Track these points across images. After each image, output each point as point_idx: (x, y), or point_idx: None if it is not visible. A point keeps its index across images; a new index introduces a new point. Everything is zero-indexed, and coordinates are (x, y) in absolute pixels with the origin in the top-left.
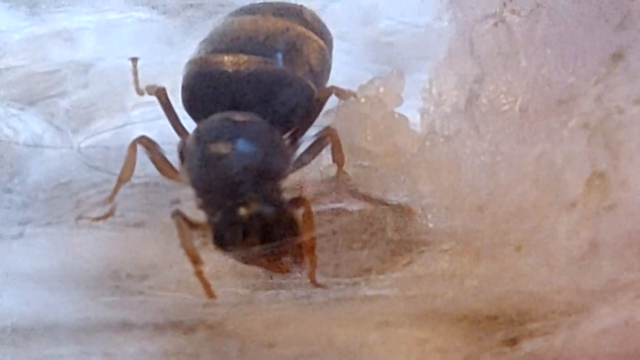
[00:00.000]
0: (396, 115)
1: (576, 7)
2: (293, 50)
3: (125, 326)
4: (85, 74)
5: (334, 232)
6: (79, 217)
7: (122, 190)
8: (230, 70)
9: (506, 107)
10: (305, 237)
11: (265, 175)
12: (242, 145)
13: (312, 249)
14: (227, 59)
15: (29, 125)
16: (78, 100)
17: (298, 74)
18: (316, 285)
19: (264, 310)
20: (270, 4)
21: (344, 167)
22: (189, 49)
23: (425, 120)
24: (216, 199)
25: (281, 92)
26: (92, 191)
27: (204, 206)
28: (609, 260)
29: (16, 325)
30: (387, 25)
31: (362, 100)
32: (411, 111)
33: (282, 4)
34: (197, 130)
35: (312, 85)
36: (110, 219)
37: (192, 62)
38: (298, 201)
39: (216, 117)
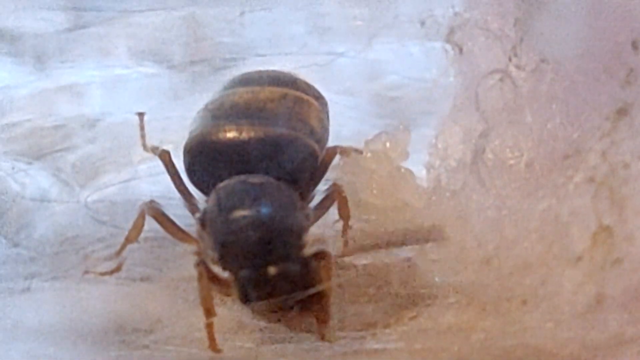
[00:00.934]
0: (402, 170)
1: (581, 63)
2: (292, 114)
3: None
4: (92, 128)
5: (340, 286)
6: (86, 272)
7: (129, 245)
8: (235, 140)
9: (512, 162)
10: (324, 290)
11: (289, 233)
12: (265, 206)
13: (328, 301)
14: (230, 129)
15: (35, 180)
16: (85, 154)
17: (300, 137)
18: (323, 339)
19: None
20: (264, 73)
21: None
22: (195, 104)
23: (431, 174)
24: (242, 258)
25: (286, 156)
26: (99, 245)
27: (227, 264)
28: (615, 315)
29: None
30: (393, 80)
31: (368, 154)
32: (417, 166)
33: (275, 72)
34: (217, 196)
35: (315, 146)
36: (116, 273)
37: (195, 137)
38: (319, 255)
39: (232, 181)
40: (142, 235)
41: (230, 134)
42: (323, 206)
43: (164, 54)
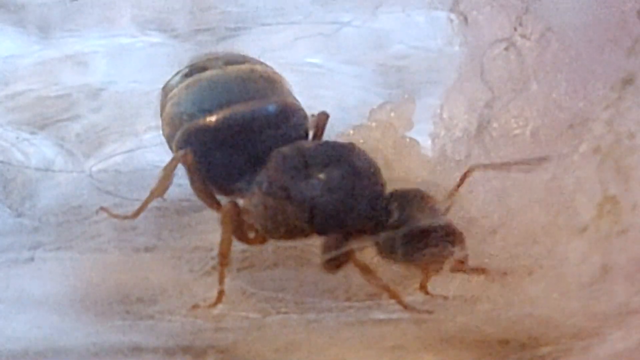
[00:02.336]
0: (407, 140)
1: (587, 32)
2: (271, 85)
3: (136, 351)
4: (97, 98)
5: None
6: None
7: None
8: (242, 121)
9: (517, 132)
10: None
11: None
12: (350, 163)
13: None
14: (230, 112)
15: (40, 150)
16: (89, 124)
17: (293, 101)
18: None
19: (274, 335)
20: (216, 56)
21: None
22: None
23: (436, 144)
24: (363, 218)
25: (292, 121)
26: (102, 215)
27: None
28: (621, 285)
29: (26, 349)
30: (398, 49)
31: (373, 124)
32: (422, 135)
33: (226, 54)
34: (292, 162)
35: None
36: (120, 242)
37: (197, 130)
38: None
39: (291, 148)
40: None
41: (232, 119)
42: None
43: (168, 23)
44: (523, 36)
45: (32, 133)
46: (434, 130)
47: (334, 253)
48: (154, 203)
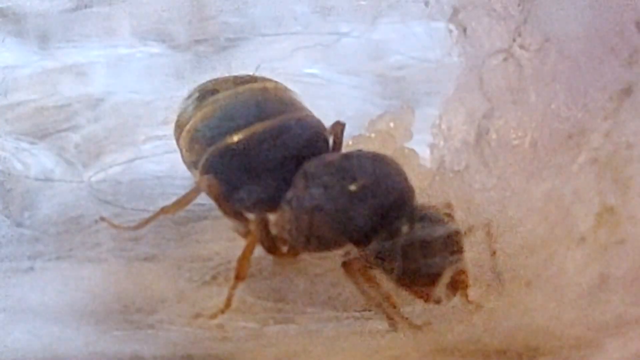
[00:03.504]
0: (406, 150)
1: (585, 43)
2: (285, 100)
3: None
4: (96, 108)
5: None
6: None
7: (131, 224)
8: (264, 139)
9: (516, 142)
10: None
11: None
12: (381, 172)
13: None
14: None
15: (39, 160)
16: (89, 134)
17: (309, 115)
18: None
19: (274, 344)
20: (224, 78)
21: None
22: (198, 83)
23: (434, 155)
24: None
25: (314, 134)
26: (102, 225)
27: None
28: (619, 295)
29: (26, 358)
30: (397, 60)
31: (372, 135)
32: (421, 146)
33: (234, 75)
34: (319, 177)
35: (320, 120)
36: (119, 252)
37: (220, 153)
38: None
39: (318, 162)
40: (146, 214)
41: (259, 136)
42: None
43: (167, 34)
44: (522, 47)
45: (31, 143)
46: (432, 140)
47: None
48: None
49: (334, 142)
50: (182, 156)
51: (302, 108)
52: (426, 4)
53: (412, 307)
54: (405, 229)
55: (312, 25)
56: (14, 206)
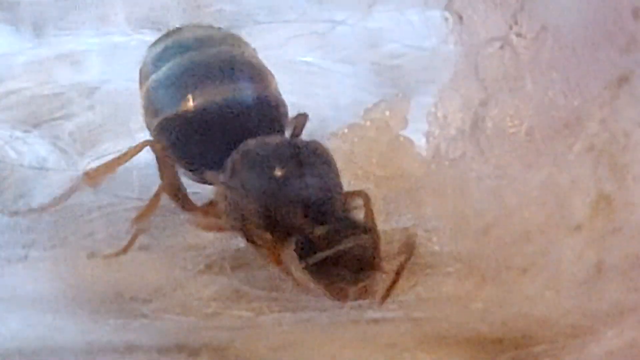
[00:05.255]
0: (401, 139)
1: (582, 31)
2: (252, 73)
3: (130, 349)
4: (91, 96)
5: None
6: (91, 255)
7: (126, 213)
8: (217, 108)
9: (512, 130)
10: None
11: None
12: (312, 163)
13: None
14: (205, 99)
15: (34, 148)
16: (83, 122)
17: (272, 93)
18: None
19: (268, 333)
20: (198, 30)
21: None
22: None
23: (430, 143)
24: (294, 221)
25: (270, 114)
26: (96, 214)
27: (273, 229)
28: (615, 283)
29: (21, 348)
30: (393, 48)
31: (368, 123)
32: (416, 134)
33: (210, 28)
34: (247, 159)
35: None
36: (113, 241)
37: (172, 119)
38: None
39: (255, 142)
40: (141, 204)
41: (213, 104)
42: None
43: (162, 22)
44: (518, 35)
45: (25, 131)
46: (428, 129)
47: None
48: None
49: (292, 132)
50: (143, 116)
51: (267, 85)
52: None
53: (408, 296)
54: (319, 230)
55: (307, 14)
56: (8, 194)
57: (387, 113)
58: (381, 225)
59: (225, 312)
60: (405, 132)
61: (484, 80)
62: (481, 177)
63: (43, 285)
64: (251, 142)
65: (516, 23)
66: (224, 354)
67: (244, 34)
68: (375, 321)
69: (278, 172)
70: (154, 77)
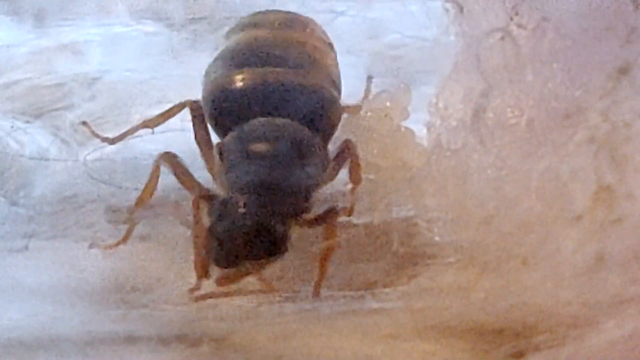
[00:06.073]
0: (402, 129)
1: (583, 22)
2: (313, 60)
3: (130, 339)
4: (92, 87)
5: (340, 245)
6: (91, 246)
7: (127, 204)
8: (258, 85)
9: (512, 121)
10: (326, 249)
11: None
12: (283, 147)
13: (325, 261)
14: (253, 74)
15: (34, 139)
16: (84, 113)
17: (324, 84)
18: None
19: (269, 324)
20: (276, 15)
21: None
22: (194, 62)
23: (431, 134)
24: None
25: (311, 103)
26: (97, 204)
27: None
28: (615, 274)
29: (21, 338)
30: (394, 39)
31: (369, 114)
32: (417, 125)
33: (288, 14)
34: (238, 132)
35: (337, 97)
36: (114, 232)
37: (218, 83)
38: (327, 214)
39: (260, 120)
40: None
41: (253, 80)
42: (337, 165)
43: (163, 12)
44: (519, 25)
45: (26, 122)
46: (429, 119)
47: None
48: None
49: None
50: None
51: (323, 80)
52: None
53: (408, 286)
54: (238, 199)
55: (307, 4)
56: (9, 185)
57: (388, 104)
58: (382, 215)
59: (226, 302)
60: (406, 123)
61: (484, 71)
62: (482, 167)
63: (44, 275)
64: (259, 120)
65: (517, 14)
66: (224, 344)
67: None
68: (376, 311)
69: (248, 146)
70: (223, 46)
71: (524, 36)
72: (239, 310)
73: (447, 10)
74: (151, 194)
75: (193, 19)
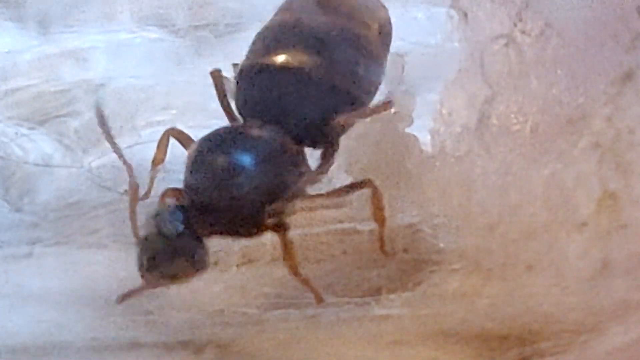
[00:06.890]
0: (406, 136)
1: (587, 28)
2: (342, 54)
3: (135, 346)
4: (96, 93)
5: (344, 252)
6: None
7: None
8: (280, 69)
9: (517, 127)
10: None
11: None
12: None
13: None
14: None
15: (39, 145)
16: (88, 119)
17: (341, 85)
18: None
19: (273, 330)
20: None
21: None
22: (198, 69)
23: (435, 140)
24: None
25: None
26: (101, 211)
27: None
28: (620, 280)
29: (26, 344)
30: (398, 45)
31: (372, 120)
32: (422, 131)
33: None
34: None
35: (359, 98)
36: (119, 238)
37: (247, 62)
38: (276, 227)
39: (231, 127)
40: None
41: (276, 62)
42: (341, 191)
43: (167, 19)
44: (523, 32)
45: (31, 128)
46: (433, 125)
47: None
48: (152, 198)
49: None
50: None
51: (343, 70)
52: None
53: (413, 292)
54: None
55: None
56: (13, 191)
57: (392, 110)
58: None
59: (230, 308)
60: (410, 129)
61: (488, 78)
62: (486, 174)
63: (48, 281)
64: (230, 127)
65: (521, 20)
66: (228, 351)
67: (250, 32)
68: (380, 318)
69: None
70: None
71: (528, 42)
72: (243, 317)
73: (451, 17)
74: (164, 153)
75: (197, 25)
